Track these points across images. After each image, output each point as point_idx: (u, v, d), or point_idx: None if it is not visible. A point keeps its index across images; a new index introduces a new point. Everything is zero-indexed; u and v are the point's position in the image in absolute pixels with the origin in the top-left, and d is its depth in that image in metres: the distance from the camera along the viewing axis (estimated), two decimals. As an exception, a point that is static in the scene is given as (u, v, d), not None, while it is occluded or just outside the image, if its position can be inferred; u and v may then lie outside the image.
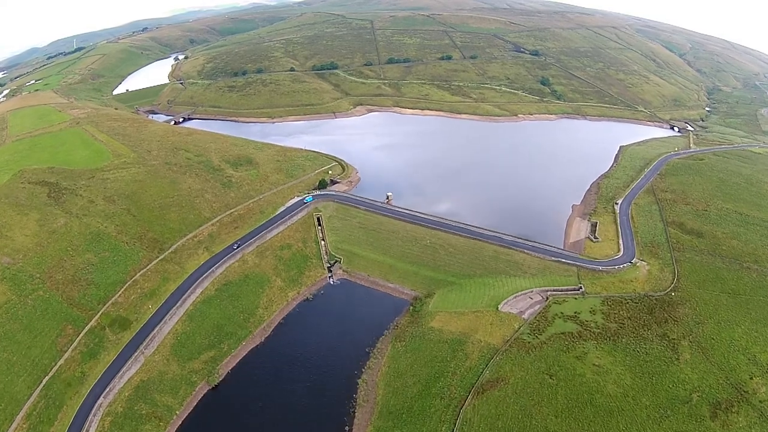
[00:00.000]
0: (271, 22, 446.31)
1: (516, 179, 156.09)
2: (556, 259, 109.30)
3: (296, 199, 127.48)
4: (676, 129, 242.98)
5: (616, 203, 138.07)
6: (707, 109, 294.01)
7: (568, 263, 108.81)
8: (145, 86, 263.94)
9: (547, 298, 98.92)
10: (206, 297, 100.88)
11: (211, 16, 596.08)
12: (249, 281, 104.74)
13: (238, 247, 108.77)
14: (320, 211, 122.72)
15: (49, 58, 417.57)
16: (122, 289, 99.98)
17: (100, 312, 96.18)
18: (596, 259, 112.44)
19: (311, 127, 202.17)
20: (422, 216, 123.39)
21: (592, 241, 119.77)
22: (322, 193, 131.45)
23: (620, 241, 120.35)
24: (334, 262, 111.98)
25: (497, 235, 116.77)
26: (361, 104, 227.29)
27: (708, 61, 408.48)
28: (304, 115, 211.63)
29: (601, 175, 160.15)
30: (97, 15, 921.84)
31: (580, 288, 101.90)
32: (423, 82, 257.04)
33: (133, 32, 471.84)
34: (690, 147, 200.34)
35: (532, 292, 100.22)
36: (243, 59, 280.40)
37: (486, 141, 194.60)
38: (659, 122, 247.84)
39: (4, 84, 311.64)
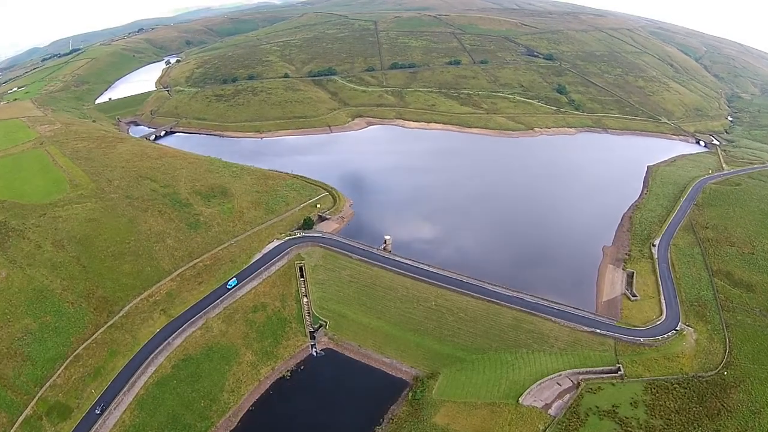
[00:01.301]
0: (272, 23, 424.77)
1: (537, 213, 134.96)
2: (590, 329, 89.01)
3: (276, 243, 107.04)
4: (702, 143, 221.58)
5: (653, 245, 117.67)
6: (729, 119, 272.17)
7: (604, 334, 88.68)
8: (130, 94, 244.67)
9: (579, 384, 79.26)
10: (161, 377, 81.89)
11: (211, 16, 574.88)
12: (213, 355, 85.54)
13: (101, 413, 75.11)
14: (303, 259, 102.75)
15: (43, 60, 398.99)
16: (62, 367, 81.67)
17: (37, 396, 78.30)
18: (636, 326, 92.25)
19: (302, 145, 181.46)
20: (426, 269, 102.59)
21: (629, 299, 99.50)
22: (307, 234, 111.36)
23: (662, 298, 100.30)
24: (318, 327, 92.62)
25: (518, 296, 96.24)
26: (361, 116, 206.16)
27: (724, 65, 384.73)
28: (296, 129, 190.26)
29: (632, 206, 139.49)
30: (100, 14, 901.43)
31: (619, 369, 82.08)
32: (429, 90, 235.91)
33: (129, 33, 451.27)
34: (722, 167, 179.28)
35: (560, 376, 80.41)
36: (235, 64, 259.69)
37: (500, 162, 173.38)
38: (684, 135, 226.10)
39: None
